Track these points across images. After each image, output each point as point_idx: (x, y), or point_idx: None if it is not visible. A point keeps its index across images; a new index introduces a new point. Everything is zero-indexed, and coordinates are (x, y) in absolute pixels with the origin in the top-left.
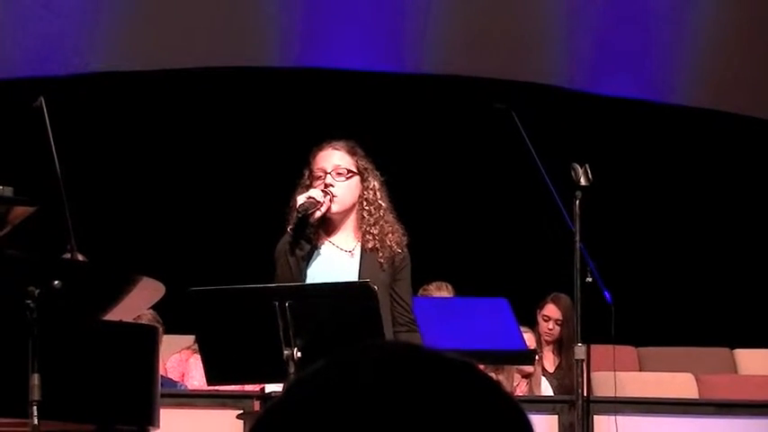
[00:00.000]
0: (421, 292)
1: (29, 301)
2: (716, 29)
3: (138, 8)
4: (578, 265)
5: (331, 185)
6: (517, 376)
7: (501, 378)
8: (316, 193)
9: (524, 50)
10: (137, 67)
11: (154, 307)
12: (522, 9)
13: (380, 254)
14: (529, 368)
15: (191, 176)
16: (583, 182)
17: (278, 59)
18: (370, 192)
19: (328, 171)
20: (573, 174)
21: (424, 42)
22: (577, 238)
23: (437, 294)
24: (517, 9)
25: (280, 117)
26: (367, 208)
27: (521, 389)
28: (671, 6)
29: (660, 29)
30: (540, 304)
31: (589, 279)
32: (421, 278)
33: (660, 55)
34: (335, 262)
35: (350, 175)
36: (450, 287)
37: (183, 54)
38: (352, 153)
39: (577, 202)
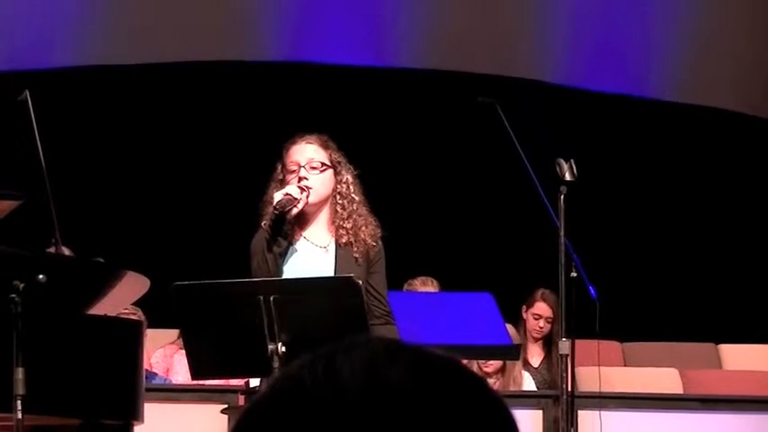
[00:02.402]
0: (406, 286)
1: (13, 295)
2: (704, 25)
3: (126, 1)
4: (563, 261)
5: (305, 179)
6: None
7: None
8: (292, 189)
9: (510, 45)
10: (123, 61)
11: (139, 302)
12: (507, 3)
13: (355, 248)
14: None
15: (176, 170)
16: (568, 177)
17: (262, 54)
18: (344, 185)
19: (302, 165)
20: (558, 169)
21: (410, 37)
22: (562, 233)
23: (422, 289)
24: (502, 3)
25: (263, 111)
26: (340, 202)
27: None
28: (659, 1)
29: (647, 24)
30: (529, 301)
31: (574, 274)
32: (406, 273)
33: (646, 50)
34: (311, 258)
35: (324, 168)
36: (434, 282)
37: (167, 48)
38: (325, 146)
39: (562, 197)
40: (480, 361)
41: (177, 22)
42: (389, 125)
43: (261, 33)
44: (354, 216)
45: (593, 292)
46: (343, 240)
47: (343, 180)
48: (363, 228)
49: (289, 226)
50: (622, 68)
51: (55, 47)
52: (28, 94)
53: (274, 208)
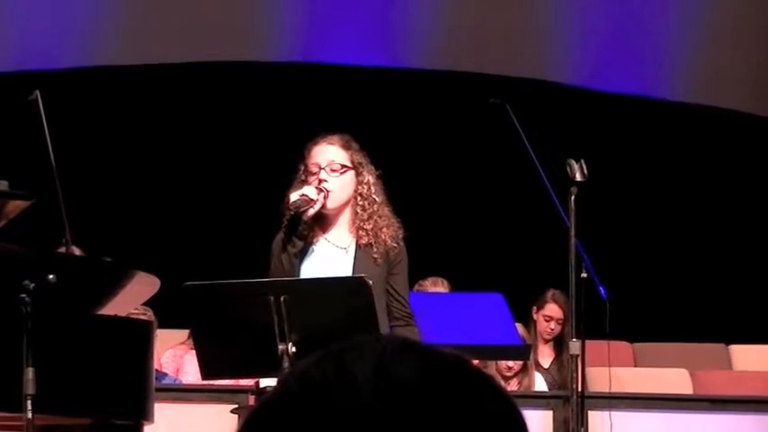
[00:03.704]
0: (416, 287)
1: (24, 295)
2: (713, 24)
3: (135, 2)
4: (573, 261)
5: (325, 181)
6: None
7: None
8: (309, 190)
9: (520, 46)
10: (133, 62)
11: (149, 302)
12: (518, 4)
13: (375, 249)
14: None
15: (186, 170)
16: (578, 177)
17: (273, 54)
18: (365, 186)
19: (322, 166)
20: (568, 169)
21: (421, 38)
22: (572, 233)
23: (432, 290)
24: (513, 4)
25: (275, 111)
26: (361, 203)
27: (510, 386)
28: (668, 2)
29: (657, 24)
30: (539, 303)
31: (584, 274)
32: (416, 273)
33: (656, 50)
34: (330, 259)
35: (344, 170)
36: (445, 282)
37: (177, 48)
38: (346, 147)
39: (573, 197)
40: (501, 363)
41: (189, 23)
42: (400, 126)
43: (274, 34)
44: (375, 217)
45: (603, 292)
46: (363, 241)
47: (365, 181)
48: (384, 229)
49: (305, 226)
50: (632, 69)
51: (65, 47)
52: (38, 94)
53: (288, 208)
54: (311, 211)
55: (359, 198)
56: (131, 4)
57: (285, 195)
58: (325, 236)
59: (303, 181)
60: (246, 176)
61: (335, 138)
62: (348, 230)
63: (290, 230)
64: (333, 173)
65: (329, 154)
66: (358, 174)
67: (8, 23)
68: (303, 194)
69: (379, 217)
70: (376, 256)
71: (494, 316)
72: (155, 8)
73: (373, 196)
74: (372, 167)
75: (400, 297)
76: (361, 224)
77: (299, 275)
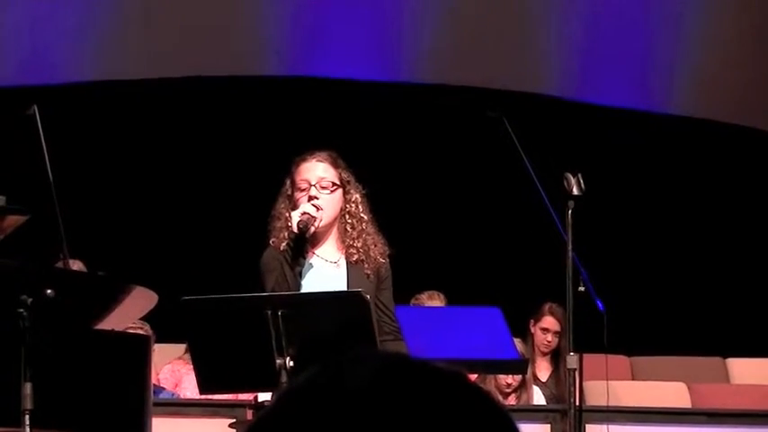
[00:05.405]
0: (413, 301)
1: (21, 310)
2: (711, 39)
3: (131, 16)
4: (570, 275)
5: (316, 198)
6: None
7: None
8: (309, 208)
9: (517, 59)
10: (130, 76)
11: (146, 316)
12: (515, 18)
13: (366, 265)
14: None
15: (183, 185)
16: (575, 191)
17: (270, 68)
18: (353, 204)
19: (312, 183)
20: (565, 183)
21: (417, 51)
22: (570, 247)
23: (429, 304)
24: (510, 18)
25: (271, 126)
26: (350, 221)
27: (509, 401)
28: (665, 15)
29: (653, 38)
30: (537, 316)
31: (581, 288)
32: (413, 288)
33: (653, 64)
34: (324, 273)
35: (334, 188)
36: (442, 296)
37: (174, 63)
38: (335, 165)
39: (570, 211)
40: (500, 380)
41: (185, 38)
42: (397, 139)
43: (269, 48)
44: (364, 235)
45: (600, 305)
46: (354, 258)
47: (352, 199)
48: (373, 246)
49: (308, 245)
50: (629, 83)
51: (63, 62)
52: (36, 108)
53: (298, 228)
54: (312, 229)
55: (347, 216)
56: (128, 20)
57: (272, 210)
58: (316, 252)
59: (290, 196)
60: (243, 191)
61: (324, 155)
62: (336, 247)
63: (297, 249)
64: (323, 190)
65: (319, 171)
66: (346, 192)
67: (5, 38)
68: (305, 212)
69: (368, 234)
70: (368, 272)
71: (491, 330)
72: (152, 23)
73: (361, 215)
74: (359, 185)
75: (389, 312)
76: (352, 242)
77: (300, 290)
